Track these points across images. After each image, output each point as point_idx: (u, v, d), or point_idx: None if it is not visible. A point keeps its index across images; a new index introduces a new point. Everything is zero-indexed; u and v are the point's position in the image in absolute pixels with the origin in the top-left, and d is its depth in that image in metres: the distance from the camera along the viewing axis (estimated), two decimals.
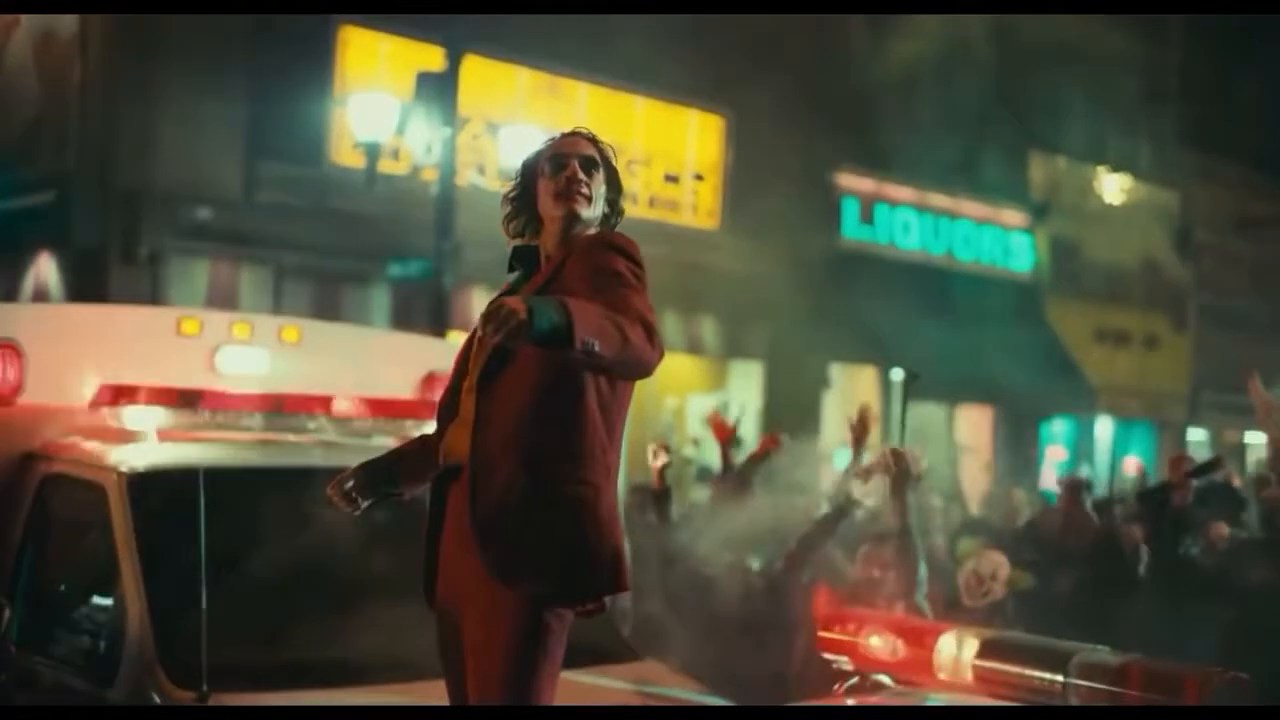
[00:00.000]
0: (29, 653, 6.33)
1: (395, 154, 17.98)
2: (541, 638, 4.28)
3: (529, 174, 4.75)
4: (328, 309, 18.16)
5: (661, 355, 4.16)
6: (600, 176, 4.66)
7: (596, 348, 3.88)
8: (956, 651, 5.35)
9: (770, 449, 9.32)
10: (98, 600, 6.28)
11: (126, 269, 17.68)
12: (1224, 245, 33.46)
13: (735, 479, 9.11)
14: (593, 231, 4.65)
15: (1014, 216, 28.76)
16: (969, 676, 5.30)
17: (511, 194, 4.81)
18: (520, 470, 4.29)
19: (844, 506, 8.15)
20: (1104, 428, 30.98)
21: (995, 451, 27.25)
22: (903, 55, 26.00)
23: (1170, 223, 31.79)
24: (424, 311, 17.75)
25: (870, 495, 8.75)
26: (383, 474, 4.90)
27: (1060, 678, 5.06)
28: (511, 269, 4.79)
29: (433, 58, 17.02)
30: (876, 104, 24.15)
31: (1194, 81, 31.17)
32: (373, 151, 16.22)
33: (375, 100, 16.31)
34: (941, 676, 5.38)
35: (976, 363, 25.30)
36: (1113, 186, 31.23)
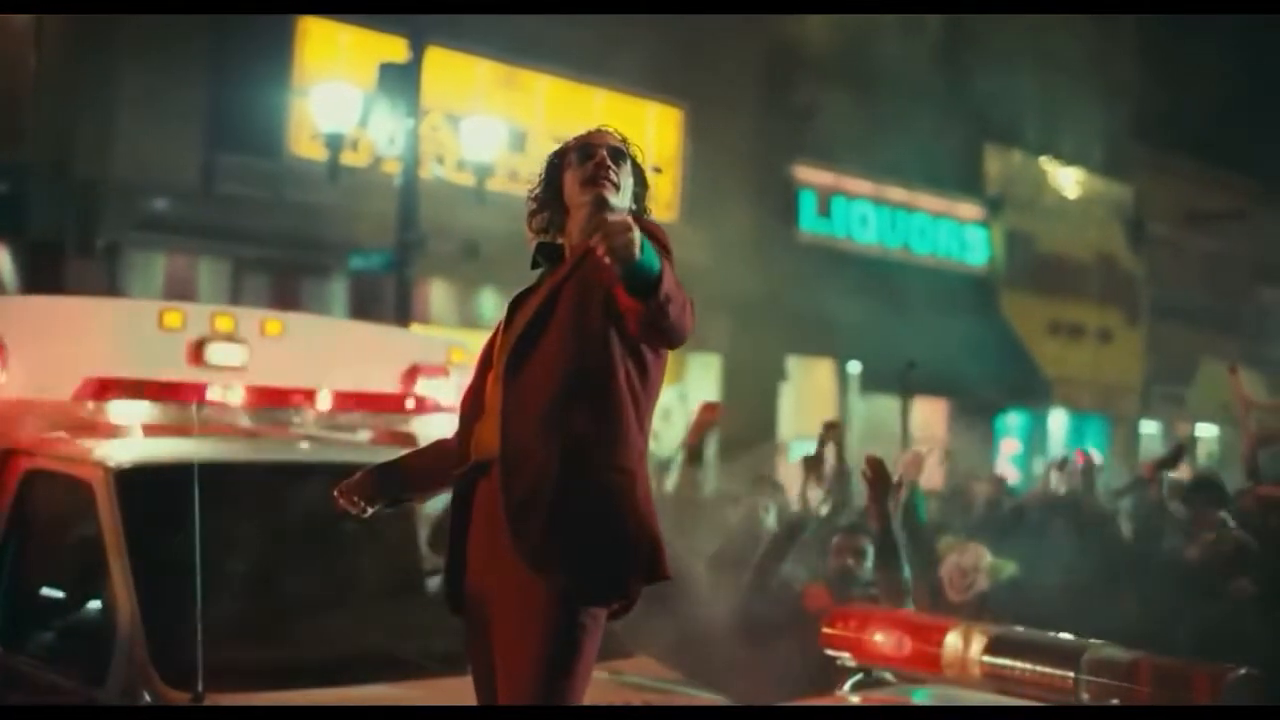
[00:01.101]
0: (14, 652, 6.23)
1: (354, 145, 17.82)
2: (575, 636, 4.21)
3: (554, 168, 4.64)
4: (286, 302, 18.00)
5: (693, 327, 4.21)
6: (627, 168, 4.58)
7: (668, 306, 3.96)
8: (963, 647, 5.32)
9: (710, 418, 9.31)
10: (86, 598, 6.17)
11: (83, 260, 17.49)
12: (1176, 238, 33.66)
13: (686, 454, 9.14)
14: None
15: (970, 210, 28.86)
16: (977, 673, 5.28)
17: (535, 190, 4.70)
18: (554, 457, 4.22)
19: (799, 523, 8.14)
20: (1058, 420, 31.14)
21: (950, 444, 27.27)
22: (860, 49, 26.04)
23: (1123, 216, 31.95)
24: (383, 304, 17.66)
25: (826, 504, 8.82)
26: (394, 477, 4.81)
27: (1072, 674, 5.05)
28: (535, 265, 4.70)
29: (393, 49, 16.89)
30: (834, 97, 24.18)
31: (1146, 75, 31.30)
32: (336, 143, 16.08)
33: (338, 91, 16.17)
34: (949, 673, 5.36)
35: (932, 355, 25.32)
36: (1067, 180, 31.39)
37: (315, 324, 8.68)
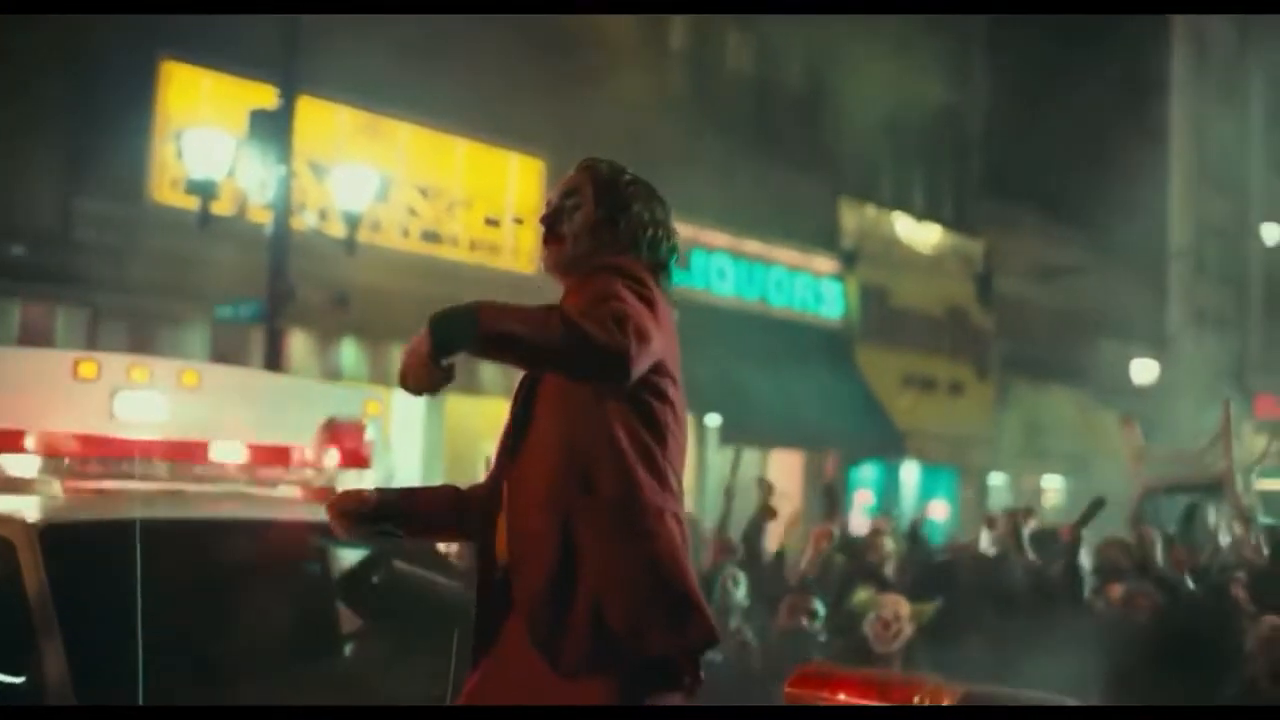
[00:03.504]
0: None
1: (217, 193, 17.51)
2: None
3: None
4: (144, 352, 17.55)
5: (641, 344, 3.72)
6: (585, 209, 4.24)
7: (516, 332, 3.59)
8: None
9: None
10: (12, 658, 5.87)
11: None
12: (1023, 293, 34.19)
13: None
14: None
15: (825, 264, 29.09)
16: None
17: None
18: (558, 547, 3.86)
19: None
20: (910, 472, 31.43)
21: (805, 496, 27.40)
22: (719, 101, 26.23)
23: (973, 271, 32.40)
24: (245, 355, 17.35)
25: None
26: (397, 508, 4.40)
27: None
28: None
29: (256, 95, 16.67)
30: (694, 149, 24.26)
31: (996, 131, 31.90)
32: (207, 189, 15.76)
33: (210, 137, 15.84)
34: None
35: (789, 408, 25.50)
36: (919, 235, 31.79)
37: (231, 374, 8.37)
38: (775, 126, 27.34)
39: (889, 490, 30.04)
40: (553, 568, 3.85)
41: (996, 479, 33.74)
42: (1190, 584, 9.18)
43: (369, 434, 7.44)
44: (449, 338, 3.63)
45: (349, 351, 20.86)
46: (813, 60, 27.45)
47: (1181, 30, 42.47)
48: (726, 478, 12.81)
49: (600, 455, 3.91)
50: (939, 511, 27.33)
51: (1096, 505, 9.60)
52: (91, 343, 17.79)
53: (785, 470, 27.88)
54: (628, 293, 3.87)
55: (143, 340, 18.20)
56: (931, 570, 10.04)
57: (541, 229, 4.28)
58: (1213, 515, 12.31)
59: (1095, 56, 33.38)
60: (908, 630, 7.64)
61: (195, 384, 7.00)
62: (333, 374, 19.78)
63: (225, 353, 18.39)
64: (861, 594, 8.64)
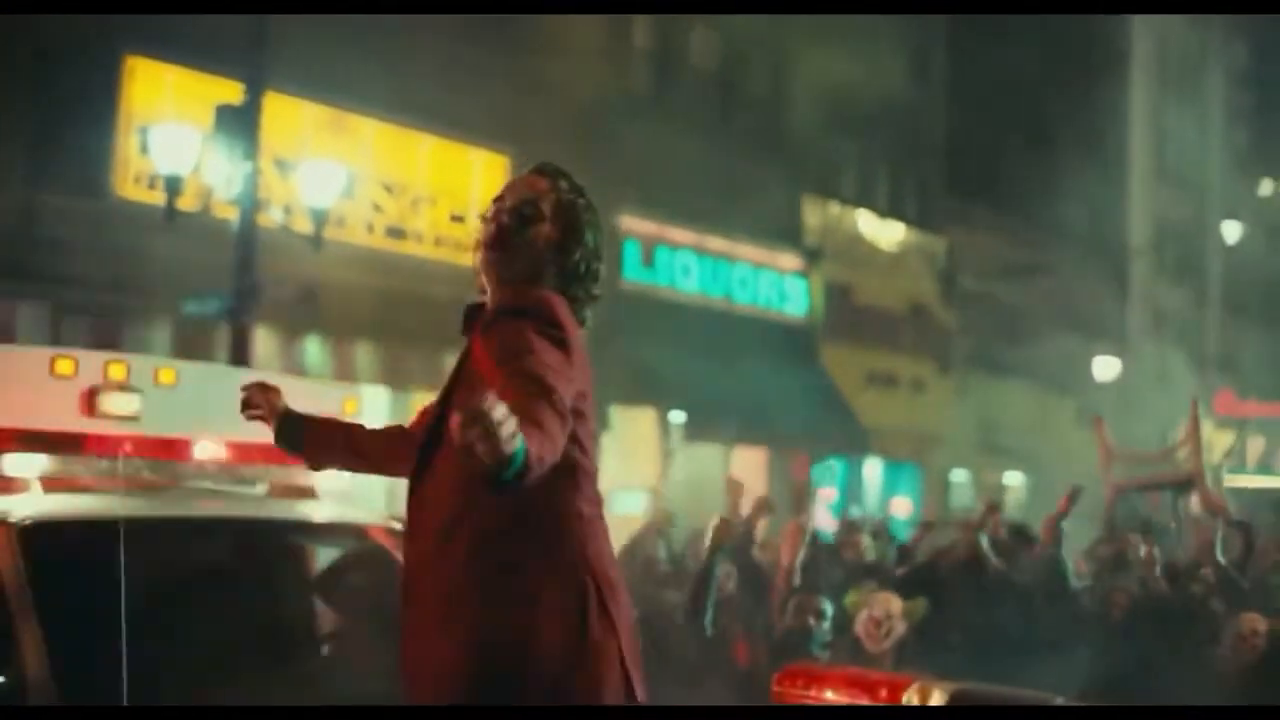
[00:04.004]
0: None
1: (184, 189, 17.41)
2: None
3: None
4: (106, 348, 17.42)
5: (564, 426, 3.59)
6: (542, 229, 4.08)
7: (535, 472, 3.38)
8: (921, 705, 5.24)
9: None
10: None
11: None
12: (986, 291, 34.28)
13: None
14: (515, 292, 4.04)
15: (790, 261, 29.13)
16: None
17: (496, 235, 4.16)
18: (449, 619, 3.81)
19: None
20: (873, 469, 31.50)
21: (770, 492, 27.43)
22: (683, 98, 26.22)
23: (936, 268, 32.48)
24: (210, 350, 17.26)
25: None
26: (301, 429, 4.82)
27: None
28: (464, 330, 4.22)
29: (221, 90, 16.58)
30: (658, 146, 24.26)
31: (958, 130, 31.99)
32: (174, 185, 15.65)
33: (177, 132, 15.75)
34: None
35: (753, 405, 25.51)
36: (882, 232, 31.85)
37: (207, 372, 8.27)
38: (739, 124, 27.37)
39: (852, 487, 30.08)
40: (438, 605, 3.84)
41: (958, 476, 33.84)
42: (1164, 583, 9.23)
43: None
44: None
45: (313, 347, 20.77)
46: (776, 58, 27.47)
47: (1140, 30, 42.66)
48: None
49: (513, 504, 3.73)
50: (901, 508, 27.38)
51: (1074, 495, 9.62)
52: (54, 339, 17.67)
53: (750, 467, 27.93)
54: (541, 344, 3.73)
55: (106, 336, 18.08)
56: (916, 569, 10.02)
57: (490, 230, 4.10)
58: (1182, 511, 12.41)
59: (1055, 56, 33.54)
60: (900, 629, 7.61)
61: (173, 381, 6.93)
62: (297, 370, 19.68)
63: (189, 349, 18.28)
64: (853, 593, 8.61)
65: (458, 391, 3.98)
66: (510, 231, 4.07)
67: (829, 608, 7.66)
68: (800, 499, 13.50)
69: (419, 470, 4.03)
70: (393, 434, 4.66)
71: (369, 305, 20.00)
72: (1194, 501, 12.46)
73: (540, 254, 4.07)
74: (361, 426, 4.81)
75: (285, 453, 4.99)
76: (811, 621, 7.70)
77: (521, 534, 3.79)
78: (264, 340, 20.06)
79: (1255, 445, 27.66)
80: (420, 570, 3.94)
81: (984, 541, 9.52)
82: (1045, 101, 32.23)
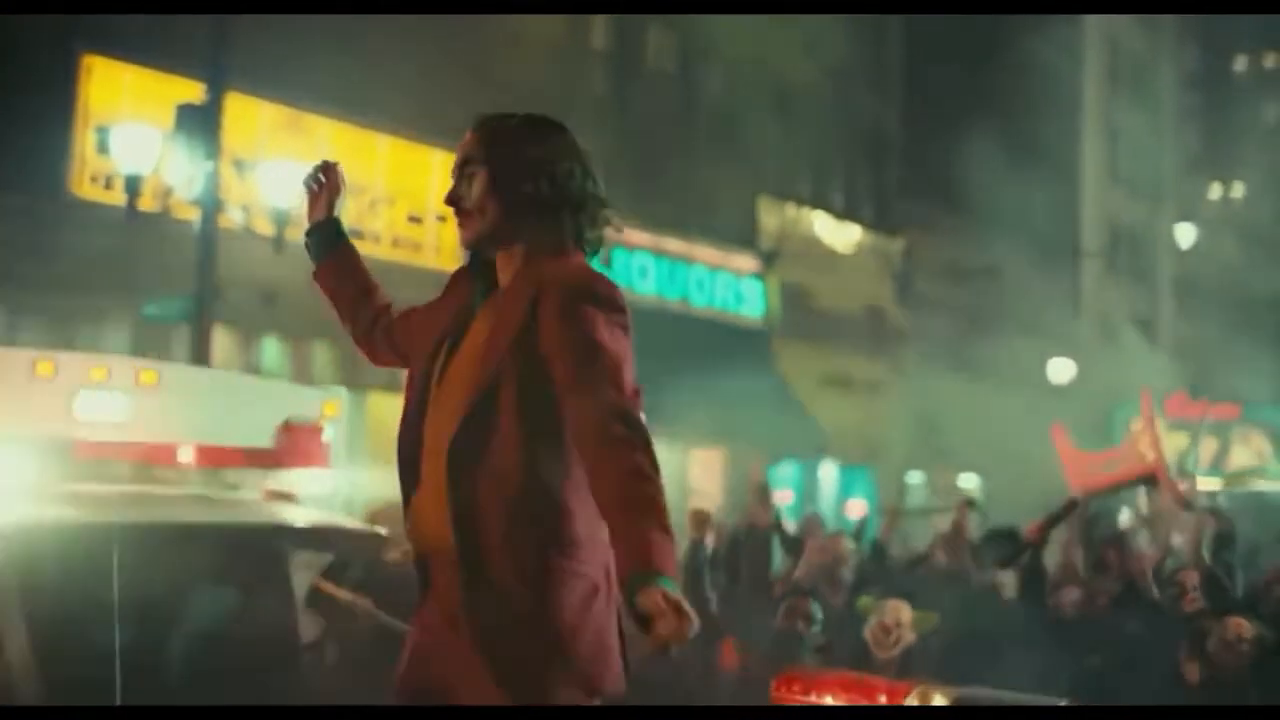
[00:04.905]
0: None
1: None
2: None
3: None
4: (63, 349, 17.24)
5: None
6: (485, 175, 3.98)
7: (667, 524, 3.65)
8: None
9: None
10: None
11: None
12: (939, 293, 34.34)
13: None
14: (562, 263, 3.99)
15: (746, 262, 29.12)
16: None
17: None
18: (519, 572, 3.77)
19: None
20: (828, 471, 31.50)
21: (726, 494, 27.40)
22: (640, 100, 26.18)
23: (892, 270, 32.52)
24: (168, 353, 17.08)
25: None
26: (333, 235, 4.63)
27: None
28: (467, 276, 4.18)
29: (179, 89, 16.43)
30: (614, 147, 24.19)
31: (914, 132, 32.07)
32: (134, 185, 15.49)
33: (138, 132, 15.58)
34: None
35: (710, 407, 25.48)
36: (839, 234, 31.88)
37: (189, 374, 8.25)
38: (695, 126, 27.35)
39: (808, 489, 30.09)
40: (509, 601, 3.76)
41: (914, 478, 33.88)
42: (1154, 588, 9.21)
43: (326, 435, 7.32)
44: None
45: (271, 349, 20.62)
46: (733, 60, 27.44)
47: (1093, 32, 42.86)
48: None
49: (555, 501, 3.87)
50: (856, 510, 27.39)
51: (1069, 507, 9.59)
52: (9, 339, 17.46)
53: (706, 469, 27.91)
54: (612, 335, 3.85)
55: (62, 338, 17.88)
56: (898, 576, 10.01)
57: (457, 219, 4.07)
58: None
59: (1009, 59, 33.64)
60: (908, 637, 7.54)
61: (154, 383, 6.85)
62: (254, 372, 19.52)
63: (148, 351, 18.09)
64: (865, 597, 8.53)
65: (465, 339, 4.03)
66: (461, 198, 4.02)
67: (819, 613, 7.61)
68: (764, 501, 13.52)
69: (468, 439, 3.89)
70: (381, 320, 4.59)
71: (325, 306, 19.82)
72: (1160, 495, 12.40)
73: (504, 204, 3.99)
74: (378, 291, 4.68)
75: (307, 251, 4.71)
76: (800, 625, 7.66)
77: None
78: (221, 341, 19.89)
79: (1208, 447, 27.77)
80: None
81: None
82: (999, 104, 32.31)
